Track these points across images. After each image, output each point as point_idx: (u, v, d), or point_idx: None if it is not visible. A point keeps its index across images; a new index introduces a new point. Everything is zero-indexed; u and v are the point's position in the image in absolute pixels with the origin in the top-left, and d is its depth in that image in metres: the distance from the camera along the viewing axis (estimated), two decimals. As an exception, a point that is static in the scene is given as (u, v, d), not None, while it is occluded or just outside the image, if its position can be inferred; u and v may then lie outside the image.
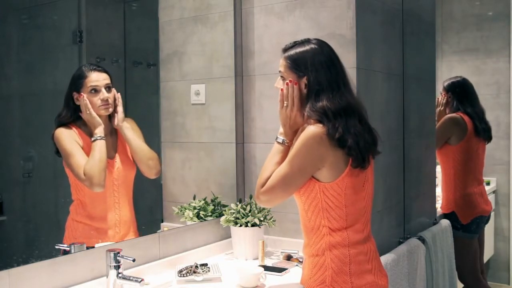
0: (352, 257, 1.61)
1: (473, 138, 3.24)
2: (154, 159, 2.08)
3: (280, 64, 1.70)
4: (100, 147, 1.86)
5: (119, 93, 1.96)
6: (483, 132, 3.30)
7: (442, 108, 3.34)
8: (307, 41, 1.69)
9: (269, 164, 1.67)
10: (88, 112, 1.86)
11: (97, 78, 1.89)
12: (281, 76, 1.70)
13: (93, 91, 1.88)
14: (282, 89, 1.68)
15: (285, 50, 1.70)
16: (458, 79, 3.39)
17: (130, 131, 1.99)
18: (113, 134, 1.99)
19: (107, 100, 1.91)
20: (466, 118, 3.25)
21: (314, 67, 1.62)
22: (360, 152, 1.58)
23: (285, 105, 1.67)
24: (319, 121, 1.58)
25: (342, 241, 1.61)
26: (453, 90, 3.34)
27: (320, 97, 1.60)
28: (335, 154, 1.57)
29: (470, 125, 3.23)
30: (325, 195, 1.60)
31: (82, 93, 1.85)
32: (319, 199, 1.61)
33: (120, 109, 1.96)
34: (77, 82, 1.86)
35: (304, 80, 1.64)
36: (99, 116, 1.89)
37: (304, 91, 1.64)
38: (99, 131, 1.87)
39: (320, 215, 1.62)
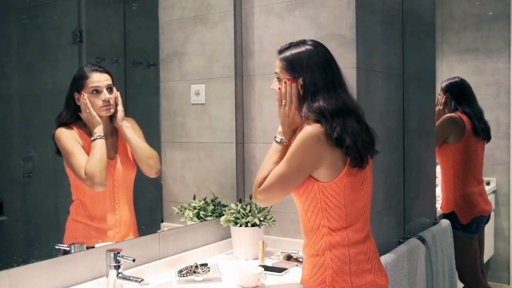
0: (352, 257, 1.61)
1: (472, 137, 3.24)
2: (154, 158, 2.08)
3: (276, 65, 1.71)
4: (100, 146, 1.86)
5: (118, 92, 1.95)
6: (482, 131, 3.30)
7: (441, 107, 3.35)
8: (302, 42, 1.69)
9: (267, 163, 1.68)
10: (88, 111, 1.86)
11: (98, 79, 1.88)
12: (277, 78, 1.71)
13: (94, 92, 1.88)
14: (280, 88, 1.68)
15: (281, 51, 1.71)
16: (456, 79, 3.40)
17: (130, 130, 1.99)
18: (114, 135, 1.99)
19: (108, 101, 1.90)
20: (464, 117, 3.25)
21: (310, 68, 1.63)
22: (358, 152, 1.58)
23: (283, 103, 1.67)
24: (317, 121, 1.58)
25: (342, 240, 1.61)
26: (451, 90, 3.35)
27: (316, 97, 1.61)
28: (333, 154, 1.57)
29: (469, 125, 3.24)
30: (324, 195, 1.60)
31: (82, 92, 1.85)
32: (318, 199, 1.61)
33: (120, 108, 1.96)
34: (79, 83, 1.86)
35: (300, 81, 1.64)
36: (100, 117, 1.89)
37: (300, 92, 1.65)
38: (99, 130, 1.87)
39: (319, 215, 1.62)
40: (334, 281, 1.60)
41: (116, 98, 1.95)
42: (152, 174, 2.09)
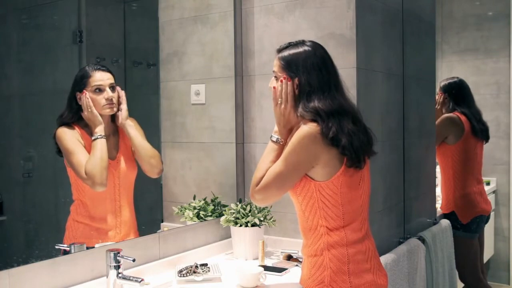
0: (351, 257, 1.61)
1: (470, 138, 3.25)
2: (157, 158, 2.08)
3: (274, 64, 1.72)
4: (101, 145, 1.86)
5: (123, 91, 1.96)
6: (481, 132, 3.31)
7: (439, 107, 3.35)
8: (301, 43, 1.70)
9: (264, 163, 1.68)
10: (89, 110, 1.85)
11: (101, 78, 1.88)
12: (275, 76, 1.72)
13: (97, 91, 1.88)
14: (274, 87, 1.69)
15: (279, 50, 1.72)
16: (455, 79, 3.40)
17: (133, 129, 1.99)
18: (115, 135, 1.99)
19: (111, 99, 1.90)
20: (463, 118, 3.26)
21: (306, 69, 1.64)
22: (354, 152, 1.58)
23: (279, 102, 1.68)
24: (313, 121, 1.59)
25: (340, 240, 1.62)
26: (450, 91, 3.35)
27: (311, 97, 1.62)
28: (329, 153, 1.58)
29: (467, 125, 3.24)
30: (321, 194, 1.60)
31: (84, 91, 1.85)
32: (316, 198, 1.61)
33: (124, 106, 1.96)
34: (81, 82, 1.86)
35: (296, 81, 1.65)
36: (103, 115, 1.89)
37: (296, 91, 1.65)
38: (100, 129, 1.87)
39: (317, 215, 1.62)
40: (333, 281, 1.60)
41: (120, 97, 1.95)
42: (153, 174, 2.09)
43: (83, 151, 1.83)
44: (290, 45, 1.71)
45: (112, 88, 1.91)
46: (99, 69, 1.89)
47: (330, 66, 1.68)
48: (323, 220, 1.62)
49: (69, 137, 1.83)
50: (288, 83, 1.65)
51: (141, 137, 2.02)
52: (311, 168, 1.60)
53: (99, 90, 1.88)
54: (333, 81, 1.66)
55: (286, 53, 1.69)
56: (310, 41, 1.71)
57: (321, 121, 1.58)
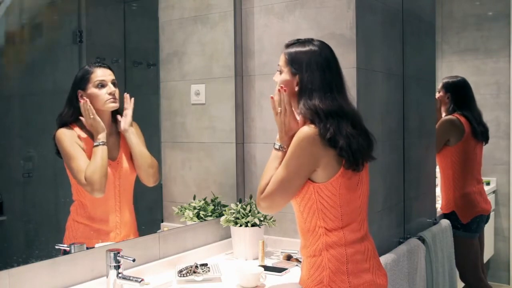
0: (349, 257, 1.61)
1: (470, 139, 3.24)
2: (155, 167, 2.07)
3: (280, 58, 1.73)
4: (102, 152, 1.85)
5: (133, 98, 1.97)
6: (481, 134, 3.30)
7: (439, 106, 3.33)
8: (308, 41, 1.70)
9: (268, 170, 1.68)
10: (91, 116, 1.84)
11: (103, 73, 1.89)
12: (279, 71, 1.72)
13: (100, 86, 1.88)
14: (272, 97, 1.70)
15: (287, 46, 1.73)
16: (459, 79, 3.38)
17: (135, 136, 1.99)
18: (117, 135, 1.98)
19: (114, 94, 1.90)
20: (462, 119, 3.25)
21: (309, 68, 1.65)
22: (352, 154, 1.58)
23: (278, 111, 1.68)
24: (312, 121, 1.59)
25: (339, 240, 1.62)
26: (452, 91, 3.33)
27: (312, 95, 1.62)
28: (328, 154, 1.58)
29: (467, 127, 3.24)
30: (319, 195, 1.60)
31: (85, 98, 1.84)
32: (314, 199, 1.61)
33: (129, 112, 1.96)
34: (83, 79, 1.86)
35: (297, 78, 1.66)
36: (104, 113, 1.88)
37: (296, 88, 1.66)
38: (102, 136, 1.86)
39: (315, 216, 1.62)
40: (332, 281, 1.60)
41: (127, 101, 1.96)
42: (150, 183, 2.07)
43: (82, 156, 1.83)
44: (298, 42, 1.72)
45: (114, 84, 1.91)
46: (100, 66, 1.90)
47: (333, 67, 1.68)
48: (321, 221, 1.62)
49: (69, 140, 1.82)
50: (285, 93, 1.66)
51: (142, 145, 2.02)
52: (313, 171, 1.60)
53: (102, 85, 1.88)
54: (335, 83, 1.66)
55: (292, 49, 1.70)
56: (318, 40, 1.72)
57: (319, 122, 1.58)
